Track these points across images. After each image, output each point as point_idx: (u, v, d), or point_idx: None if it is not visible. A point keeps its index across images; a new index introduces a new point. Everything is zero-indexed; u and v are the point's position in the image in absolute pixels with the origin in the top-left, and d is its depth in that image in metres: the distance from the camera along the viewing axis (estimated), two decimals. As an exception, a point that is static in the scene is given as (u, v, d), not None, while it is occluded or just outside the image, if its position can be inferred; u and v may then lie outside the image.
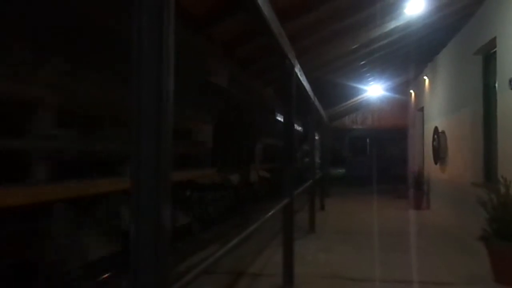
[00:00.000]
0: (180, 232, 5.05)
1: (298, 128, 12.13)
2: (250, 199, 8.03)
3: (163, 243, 1.21)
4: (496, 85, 5.44)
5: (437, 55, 8.67)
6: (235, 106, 6.65)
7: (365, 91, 13.08)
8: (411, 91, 12.30)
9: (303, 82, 4.85)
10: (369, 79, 11.85)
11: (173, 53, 1.25)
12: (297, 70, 4.16)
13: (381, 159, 17.09)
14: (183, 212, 5.17)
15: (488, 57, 5.98)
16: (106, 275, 3.78)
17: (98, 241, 3.54)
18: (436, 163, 8.58)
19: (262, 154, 9.11)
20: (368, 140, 18.94)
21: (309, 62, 6.74)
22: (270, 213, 2.98)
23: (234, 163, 6.96)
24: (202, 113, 5.59)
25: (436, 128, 8.51)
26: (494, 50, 5.51)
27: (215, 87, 5.70)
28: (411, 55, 8.66)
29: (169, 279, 1.27)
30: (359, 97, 14.08)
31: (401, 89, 13.30)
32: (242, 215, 7.02)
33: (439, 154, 8.18)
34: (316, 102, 7.36)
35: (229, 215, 6.69)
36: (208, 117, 5.79)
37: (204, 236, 5.70)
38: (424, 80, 10.04)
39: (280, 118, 8.26)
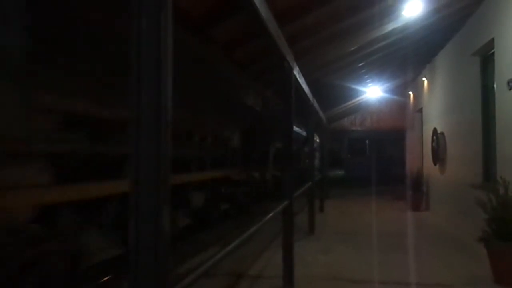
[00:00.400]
0: (223, 215, 7.06)
1: (303, 132, 12.28)
2: (266, 193, 9.65)
3: (162, 245, 1.21)
4: (495, 86, 5.45)
5: (436, 56, 8.69)
6: (255, 117, 8.51)
7: (364, 92, 13.09)
8: (410, 92, 12.32)
9: (302, 84, 4.86)
10: (368, 80, 11.86)
11: (172, 54, 1.25)
12: (296, 72, 4.17)
13: (380, 160, 17.11)
14: (224, 201, 7.18)
15: (486, 58, 6.00)
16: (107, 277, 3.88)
17: (181, 216, 5.42)
18: (435, 164, 8.59)
19: (274, 156, 10.34)
20: (367, 141, 18.97)
21: (308, 63, 6.75)
22: (269, 215, 2.98)
23: (255, 163, 8.77)
24: (234, 125, 7.61)
25: (435, 129, 8.52)
26: (492, 51, 5.52)
27: (243, 105, 7.57)
28: (409, 57, 8.68)
29: (169, 281, 1.27)
30: (358, 98, 14.09)
31: (400, 90, 13.32)
32: (261, 206, 8.61)
33: (438, 155, 8.19)
34: (315, 104, 7.37)
35: (252, 205, 8.50)
36: (238, 128, 7.80)
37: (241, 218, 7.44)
38: (423, 81, 10.05)
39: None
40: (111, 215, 3.81)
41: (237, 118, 7.63)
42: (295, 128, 10.92)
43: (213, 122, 6.72)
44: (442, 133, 8.04)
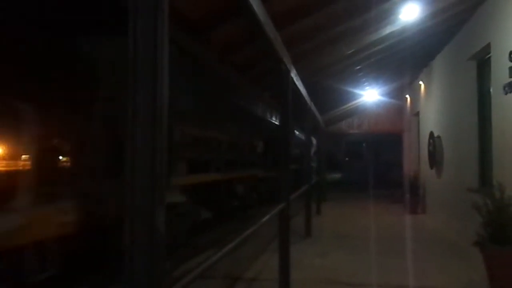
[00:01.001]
0: (252, 204, 9.30)
1: (302, 136, 12.39)
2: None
3: (158, 247, 1.21)
4: (491, 90, 5.47)
5: (433, 60, 8.71)
6: (274, 129, 10.58)
7: (361, 96, 13.13)
8: (407, 96, 12.35)
9: (299, 87, 4.86)
10: (365, 84, 11.89)
11: (168, 56, 1.26)
12: (293, 75, 4.17)
13: (377, 163, 17.15)
14: (253, 194, 9.63)
15: (483, 62, 6.02)
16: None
17: (233, 200, 8.29)
18: (432, 168, 8.60)
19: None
20: (364, 144, 19.00)
21: (305, 67, 6.77)
22: (265, 218, 2.97)
23: (272, 165, 10.53)
24: (260, 136, 10.26)
25: (431, 133, 8.54)
26: (489, 55, 5.54)
27: (266, 121, 10.23)
28: (406, 60, 8.71)
29: (164, 283, 1.27)
30: (355, 101, 14.13)
31: (397, 94, 13.35)
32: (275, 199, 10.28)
33: (435, 159, 8.21)
34: (313, 107, 7.39)
35: (270, 197, 10.12)
36: (262, 137, 10.36)
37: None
38: (420, 85, 10.08)
39: (296, 132, 12.82)
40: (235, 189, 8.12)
41: (262, 131, 10.45)
42: (298, 133, 11.71)
43: (248, 136, 9.50)
44: (438, 137, 8.06)
